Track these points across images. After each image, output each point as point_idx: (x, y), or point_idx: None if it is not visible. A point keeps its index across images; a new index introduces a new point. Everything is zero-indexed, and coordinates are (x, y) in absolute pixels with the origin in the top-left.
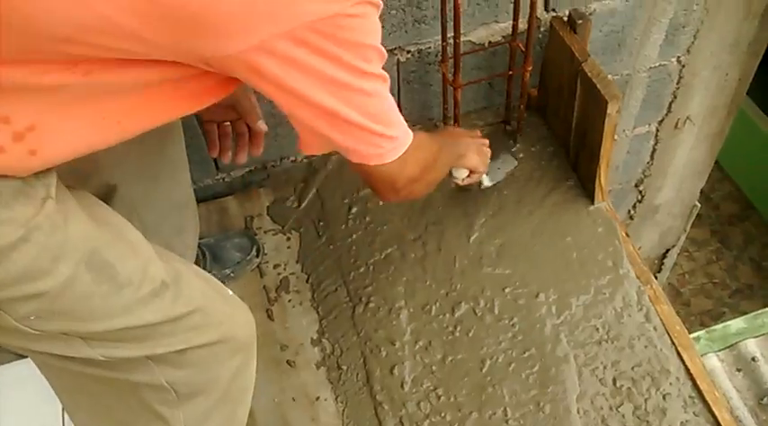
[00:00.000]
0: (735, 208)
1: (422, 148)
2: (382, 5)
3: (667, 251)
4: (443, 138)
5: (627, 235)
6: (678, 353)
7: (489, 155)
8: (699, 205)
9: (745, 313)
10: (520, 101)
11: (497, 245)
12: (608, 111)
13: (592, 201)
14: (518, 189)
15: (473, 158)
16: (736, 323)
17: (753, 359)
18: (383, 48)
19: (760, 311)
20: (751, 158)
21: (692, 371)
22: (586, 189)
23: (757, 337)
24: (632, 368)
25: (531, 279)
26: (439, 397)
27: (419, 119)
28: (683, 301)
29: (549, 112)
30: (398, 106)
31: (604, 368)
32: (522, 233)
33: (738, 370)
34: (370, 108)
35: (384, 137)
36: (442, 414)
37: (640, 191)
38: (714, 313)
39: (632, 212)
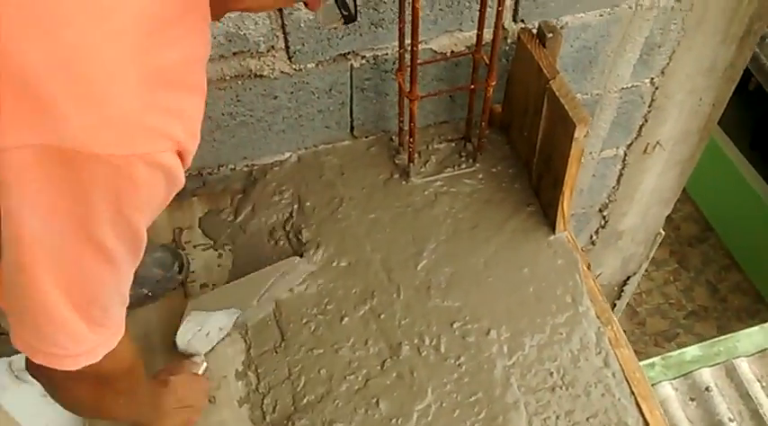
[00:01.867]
0: (695, 230)
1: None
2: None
3: (628, 278)
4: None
5: (588, 268)
6: (637, 404)
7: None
8: (663, 233)
9: (699, 334)
10: (482, 117)
11: (447, 275)
12: (575, 135)
13: (553, 230)
14: (475, 212)
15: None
16: (692, 351)
17: (707, 388)
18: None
19: (715, 339)
20: (713, 182)
21: (650, 424)
22: (548, 216)
23: (712, 366)
24: (587, 420)
25: (482, 313)
26: None
27: (373, 129)
28: (639, 321)
29: (513, 131)
30: (351, 116)
31: (557, 417)
32: (476, 261)
33: (692, 400)
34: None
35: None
36: None
37: (604, 216)
38: (669, 334)
39: (594, 237)
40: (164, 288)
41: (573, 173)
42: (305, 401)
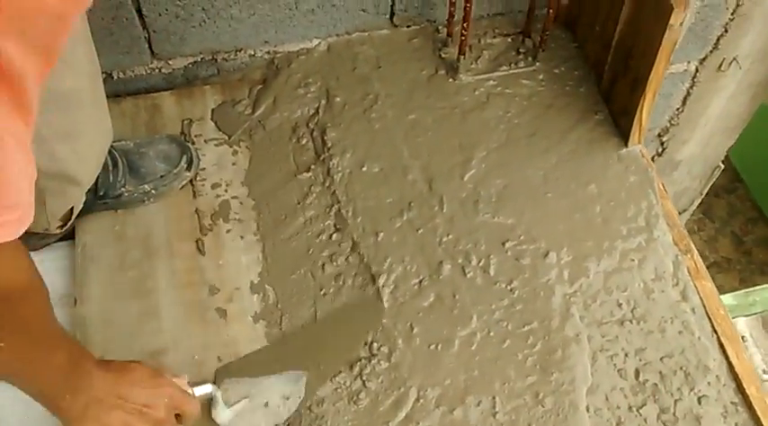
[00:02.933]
0: (723, 180)
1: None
2: None
3: (679, 214)
4: (83, 362)
5: (665, 189)
6: (721, 345)
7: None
8: (722, 166)
9: (721, 286)
10: (547, 8)
11: (499, 187)
12: (671, 21)
13: (625, 143)
14: (534, 118)
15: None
16: (726, 300)
17: (741, 338)
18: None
19: (751, 289)
20: (747, 130)
21: (736, 370)
22: (619, 126)
23: (747, 316)
24: (661, 360)
25: (539, 233)
26: (407, 385)
27: (417, 17)
28: None
29: (582, 26)
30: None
31: (626, 355)
32: (533, 174)
33: None
34: None
35: None
36: (413, 403)
37: (662, 143)
38: None
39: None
40: (169, 186)
41: (660, 71)
42: None
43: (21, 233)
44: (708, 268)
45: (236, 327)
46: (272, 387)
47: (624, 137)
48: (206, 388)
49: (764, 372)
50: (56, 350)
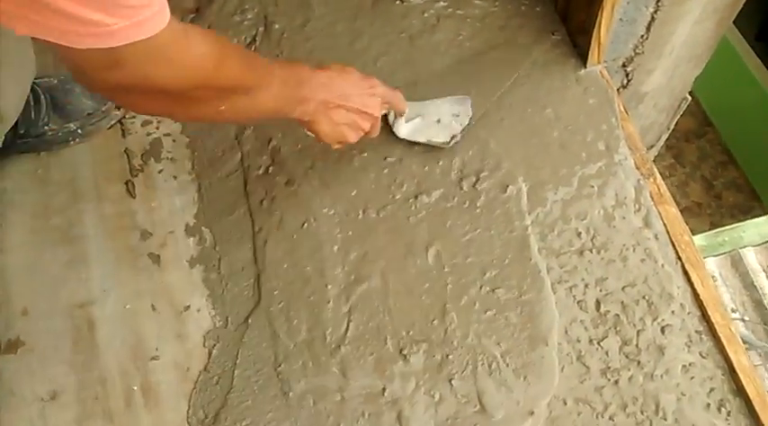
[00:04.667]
0: (693, 124)
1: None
2: None
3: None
4: (297, 74)
5: (626, 111)
6: (685, 271)
7: (366, 127)
8: (689, 98)
9: (693, 230)
10: None
11: None
12: None
13: (584, 64)
14: (487, 40)
15: (322, 124)
16: (697, 240)
17: (711, 278)
18: None
19: (720, 229)
20: (716, 74)
21: (701, 297)
22: (578, 46)
23: (717, 256)
24: (623, 289)
25: (494, 161)
26: (368, 321)
27: None
28: None
29: None
30: None
31: (585, 286)
32: (486, 100)
33: None
34: None
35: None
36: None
37: (627, 74)
38: None
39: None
40: (96, 125)
41: None
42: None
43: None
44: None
45: (171, 273)
46: (441, 107)
47: (583, 57)
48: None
49: (734, 310)
50: (271, 80)
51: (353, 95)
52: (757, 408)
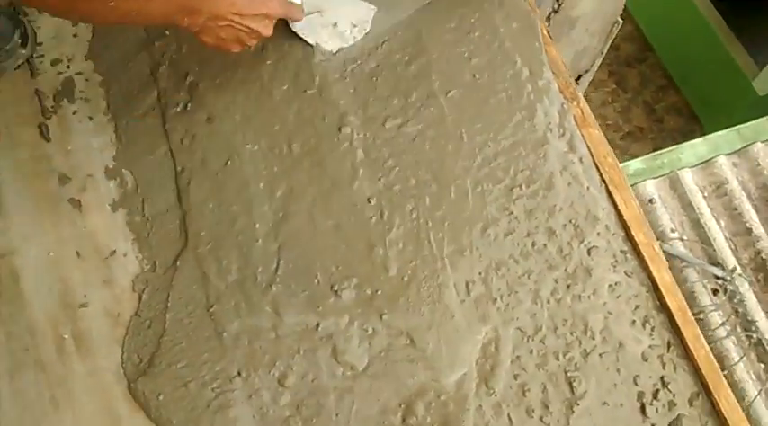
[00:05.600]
0: (633, 49)
1: None
2: None
3: (579, 76)
4: None
5: (549, 35)
6: (609, 194)
7: (253, 44)
8: (620, 21)
9: (635, 155)
10: None
11: (371, 44)
12: None
13: None
14: None
15: (208, 38)
16: (635, 164)
17: (650, 201)
18: None
19: (659, 152)
20: None
21: (625, 217)
22: None
23: (656, 178)
24: (550, 215)
25: (420, 93)
26: (298, 258)
27: None
28: None
29: None
30: None
31: (515, 219)
32: (407, 27)
33: None
34: None
35: None
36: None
37: None
38: None
39: (546, 25)
40: (1, 66)
41: None
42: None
43: None
44: (622, 138)
45: (94, 218)
46: (343, 10)
47: None
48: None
49: (672, 231)
50: None
51: (246, 16)
52: (679, 322)
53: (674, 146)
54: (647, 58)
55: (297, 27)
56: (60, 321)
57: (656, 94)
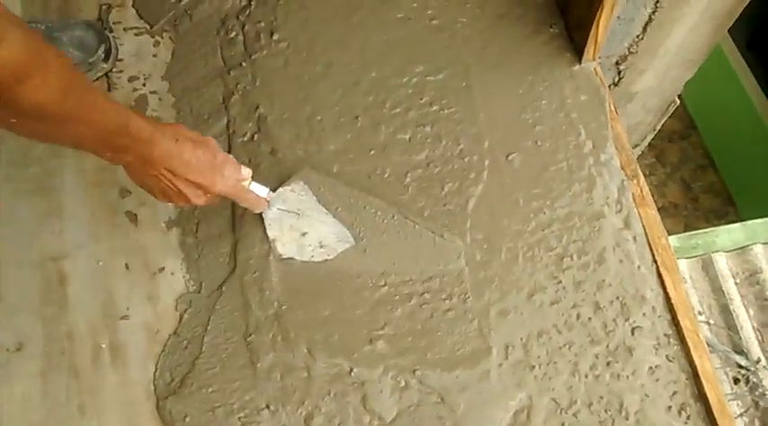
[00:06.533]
0: (678, 126)
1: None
2: None
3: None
4: (148, 126)
5: (616, 110)
6: (659, 275)
7: (180, 204)
8: (677, 101)
9: (667, 231)
10: None
11: (444, 104)
12: None
13: (579, 59)
14: (483, 30)
15: (134, 177)
16: (671, 241)
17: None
18: None
19: (694, 232)
20: (705, 79)
21: (673, 301)
22: (574, 41)
23: (689, 258)
24: (598, 289)
25: (480, 149)
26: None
27: None
28: None
29: None
30: None
31: (563, 288)
32: (479, 91)
33: None
34: None
35: None
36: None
37: (620, 72)
38: None
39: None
40: None
41: None
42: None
43: None
44: None
45: (148, 233)
46: (320, 225)
47: (578, 53)
48: (262, 191)
49: (699, 313)
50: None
51: (178, 177)
52: (716, 414)
53: (711, 229)
54: (690, 136)
55: (268, 216)
56: (100, 330)
57: (694, 172)
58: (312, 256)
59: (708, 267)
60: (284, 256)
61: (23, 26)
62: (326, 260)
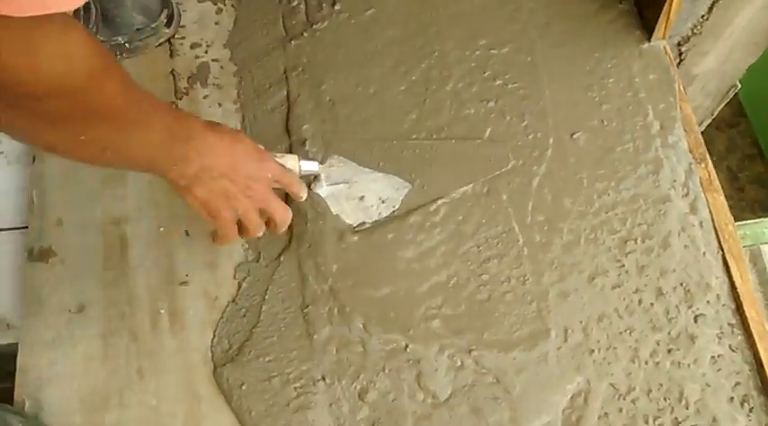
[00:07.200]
0: (727, 113)
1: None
2: None
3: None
4: (187, 126)
5: (684, 91)
6: (725, 263)
7: (241, 208)
8: (739, 85)
9: None
10: None
11: (509, 82)
12: None
13: (648, 37)
14: (549, 5)
15: (198, 191)
16: None
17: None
18: None
19: (743, 222)
20: (759, 64)
21: (739, 290)
22: (644, 17)
23: None
24: (662, 275)
25: (545, 126)
26: None
27: None
28: None
29: None
30: None
31: (626, 272)
32: (545, 68)
33: None
34: None
35: None
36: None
37: (681, 53)
38: None
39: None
40: (145, 41)
41: None
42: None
43: None
44: None
45: None
46: (373, 183)
47: (648, 30)
48: (312, 165)
49: None
50: (153, 122)
51: (241, 169)
52: None
53: (759, 219)
54: (739, 124)
55: (323, 193)
56: (159, 295)
57: (741, 162)
58: (380, 213)
59: (756, 258)
60: (355, 225)
61: (87, 35)
62: (393, 211)
